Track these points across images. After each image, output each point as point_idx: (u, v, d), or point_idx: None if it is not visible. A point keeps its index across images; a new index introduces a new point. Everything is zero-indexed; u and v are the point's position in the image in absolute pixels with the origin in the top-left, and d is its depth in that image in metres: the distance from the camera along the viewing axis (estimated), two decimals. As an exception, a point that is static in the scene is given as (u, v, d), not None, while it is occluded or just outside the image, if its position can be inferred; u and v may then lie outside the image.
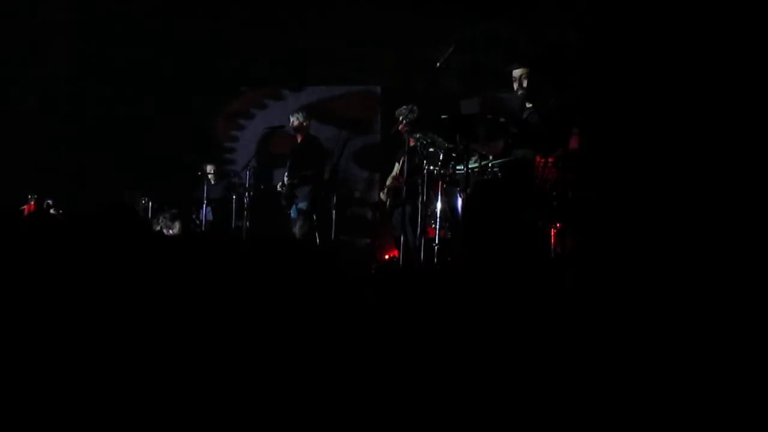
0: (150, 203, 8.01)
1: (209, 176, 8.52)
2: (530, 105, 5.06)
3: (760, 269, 3.19)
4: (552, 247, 4.52)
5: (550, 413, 2.03)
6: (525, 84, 5.05)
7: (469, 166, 4.70)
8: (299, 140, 7.66)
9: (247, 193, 7.43)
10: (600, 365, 2.21)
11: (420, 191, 5.32)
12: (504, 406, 2.06)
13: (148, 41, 8.29)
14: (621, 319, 2.48)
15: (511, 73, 5.15)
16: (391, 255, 7.01)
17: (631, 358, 2.22)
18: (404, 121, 6.02)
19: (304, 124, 7.63)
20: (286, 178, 7.45)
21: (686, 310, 2.56)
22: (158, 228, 5.38)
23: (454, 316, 2.50)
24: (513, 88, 5.19)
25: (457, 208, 4.98)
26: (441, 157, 4.94)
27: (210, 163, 8.81)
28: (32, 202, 6.74)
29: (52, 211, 6.30)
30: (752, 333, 2.36)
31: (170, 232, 5.49)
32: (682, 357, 2.23)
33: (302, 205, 7.37)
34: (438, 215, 5.09)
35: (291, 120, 7.69)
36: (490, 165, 4.80)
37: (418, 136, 5.09)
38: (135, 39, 8.26)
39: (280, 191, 7.54)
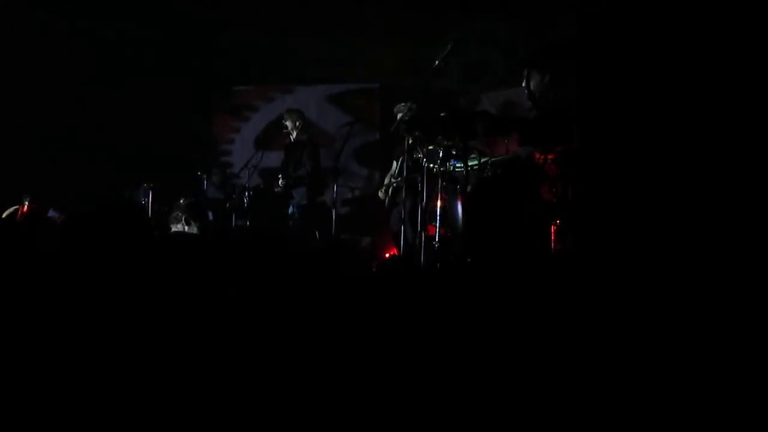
0: (150, 204, 7.99)
1: (207, 176, 8.50)
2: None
3: (760, 267, 3.18)
4: (552, 244, 4.52)
5: (551, 412, 2.03)
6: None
7: (469, 164, 4.69)
8: (293, 140, 7.66)
9: (246, 193, 7.43)
10: (600, 363, 2.20)
11: (419, 189, 5.31)
12: (505, 404, 2.05)
13: (146, 41, 8.28)
14: (621, 317, 2.48)
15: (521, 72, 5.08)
16: (391, 253, 7.00)
17: (630, 356, 2.21)
18: (403, 119, 6.02)
19: (297, 123, 7.63)
20: (280, 179, 7.44)
21: (686, 308, 2.55)
22: (176, 226, 5.06)
23: (455, 314, 2.49)
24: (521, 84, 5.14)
25: (456, 206, 4.97)
26: (440, 155, 4.94)
27: (208, 163, 8.79)
28: (26, 203, 6.69)
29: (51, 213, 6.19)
30: (753, 332, 2.35)
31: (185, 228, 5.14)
32: (682, 354, 2.23)
33: (301, 204, 7.37)
34: (438, 213, 5.07)
35: (285, 120, 7.69)
36: (489, 163, 4.80)
37: (417, 133, 5.08)
38: (133, 40, 8.25)
39: (276, 191, 7.54)
